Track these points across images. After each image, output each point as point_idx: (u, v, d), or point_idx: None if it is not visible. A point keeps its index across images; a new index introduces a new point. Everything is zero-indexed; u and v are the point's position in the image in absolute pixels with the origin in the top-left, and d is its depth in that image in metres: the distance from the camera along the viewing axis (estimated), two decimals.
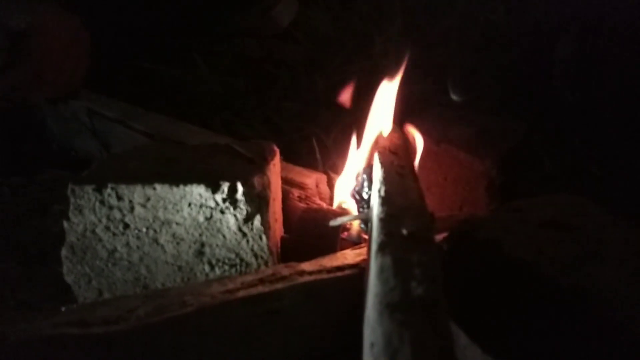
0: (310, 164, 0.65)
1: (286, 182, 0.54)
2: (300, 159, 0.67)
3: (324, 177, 0.56)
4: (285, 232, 0.51)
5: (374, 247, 0.32)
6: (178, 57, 0.94)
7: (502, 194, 0.51)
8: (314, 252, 0.45)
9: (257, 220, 0.41)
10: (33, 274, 0.52)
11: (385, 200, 0.36)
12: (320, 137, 0.73)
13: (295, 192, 0.53)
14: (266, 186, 0.42)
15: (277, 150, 0.49)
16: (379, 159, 0.43)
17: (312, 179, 0.55)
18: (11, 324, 0.33)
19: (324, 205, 0.52)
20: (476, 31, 0.96)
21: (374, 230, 0.34)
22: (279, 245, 0.49)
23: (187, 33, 0.99)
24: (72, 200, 0.41)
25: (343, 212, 0.48)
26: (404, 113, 0.62)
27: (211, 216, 0.41)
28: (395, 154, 0.45)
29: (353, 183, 0.47)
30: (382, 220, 0.34)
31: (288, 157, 0.69)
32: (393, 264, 0.29)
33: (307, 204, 0.53)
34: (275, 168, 0.48)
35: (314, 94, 0.89)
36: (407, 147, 0.50)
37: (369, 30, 0.97)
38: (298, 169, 0.56)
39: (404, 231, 0.33)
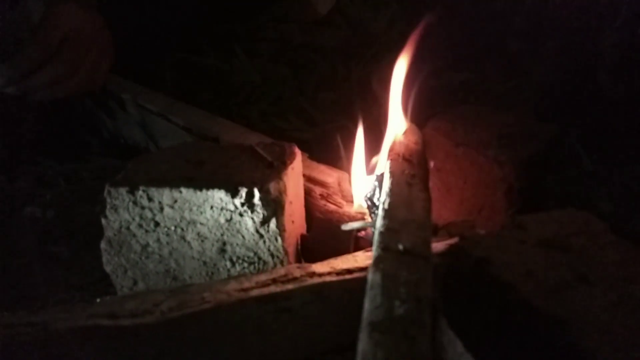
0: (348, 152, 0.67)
1: (309, 180, 0.57)
2: (332, 151, 0.70)
3: (346, 176, 0.57)
4: (307, 229, 0.54)
5: (371, 261, 0.34)
6: (221, 47, 0.98)
7: (522, 199, 0.51)
8: (329, 252, 0.47)
9: (272, 223, 0.44)
10: (82, 258, 0.58)
11: (387, 213, 0.38)
12: (351, 129, 0.74)
13: (317, 190, 0.56)
14: (282, 191, 0.45)
15: (298, 153, 0.52)
16: (390, 167, 0.44)
17: (334, 177, 0.57)
18: (53, 313, 0.38)
19: (344, 204, 0.54)
20: (522, 15, 0.93)
21: (374, 242, 0.36)
22: (299, 242, 0.52)
23: (230, 20, 1.02)
24: (108, 200, 0.46)
25: (358, 214, 0.50)
26: (427, 109, 0.63)
27: (231, 218, 0.45)
28: (408, 161, 0.46)
29: (367, 187, 0.49)
30: (381, 234, 0.36)
31: (320, 149, 0.72)
32: (382, 281, 0.31)
33: (328, 202, 0.55)
34: (295, 170, 0.50)
35: (349, 83, 0.90)
36: (424, 152, 0.51)
37: (408, 17, 0.97)
38: (322, 167, 0.58)
39: (400, 246, 0.35)
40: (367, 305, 0.30)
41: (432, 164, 0.51)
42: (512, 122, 0.56)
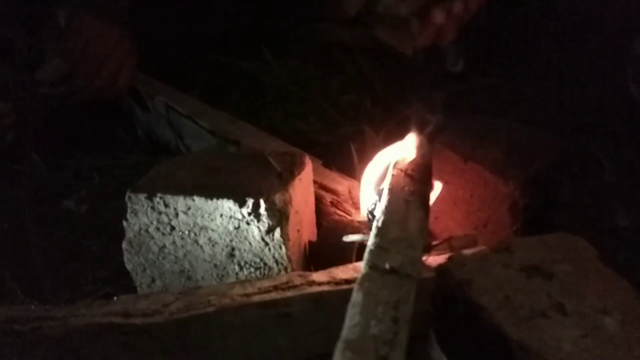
0: (361, 159, 0.69)
1: (321, 187, 0.59)
2: (349, 156, 0.71)
3: (357, 184, 0.59)
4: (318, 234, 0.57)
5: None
6: (250, 47, 1.01)
7: (527, 216, 0.52)
8: (333, 260, 0.50)
9: (277, 233, 0.47)
10: (109, 253, 0.62)
11: (379, 231, 0.40)
12: (370, 134, 0.75)
13: (328, 198, 0.58)
14: (287, 202, 0.47)
15: (308, 162, 0.54)
16: (390, 183, 0.46)
17: (344, 185, 0.59)
18: (73, 309, 0.42)
19: (353, 212, 0.56)
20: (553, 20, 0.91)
21: (363, 260, 0.38)
22: (308, 248, 0.54)
23: (260, 19, 1.05)
24: (129, 204, 0.49)
25: (362, 225, 0.52)
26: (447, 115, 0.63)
27: (239, 226, 0.48)
28: (410, 177, 0.47)
29: (369, 201, 0.51)
30: (370, 252, 0.38)
31: (337, 153, 0.74)
32: (362, 300, 0.33)
33: (338, 209, 0.58)
34: (304, 180, 0.52)
35: (372, 86, 0.91)
36: (429, 166, 0.52)
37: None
38: (334, 174, 0.61)
39: (387, 265, 0.37)
40: (346, 322, 0.32)
41: (440, 184, 0.52)
42: (523, 137, 0.56)
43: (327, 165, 0.63)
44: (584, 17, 0.85)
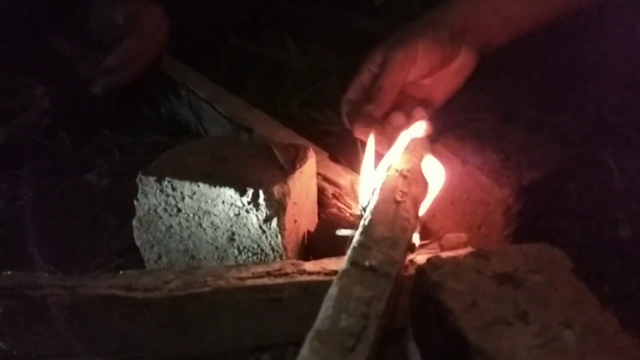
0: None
1: (324, 179, 0.61)
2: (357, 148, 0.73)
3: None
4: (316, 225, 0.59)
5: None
6: (275, 32, 1.03)
7: (519, 221, 0.53)
8: (329, 251, 0.52)
9: (274, 222, 0.50)
10: (124, 227, 0.66)
11: (365, 230, 0.42)
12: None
13: (330, 190, 0.60)
14: (286, 194, 0.50)
15: (312, 156, 0.56)
16: (383, 183, 0.48)
17: (347, 179, 0.61)
18: (82, 280, 0.46)
19: (353, 205, 0.58)
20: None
21: (345, 256, 0.40)
22: (306, 237, 0.57)
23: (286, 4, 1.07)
24: (140, 186, 0.53)
25: (357, 220, 0.54)
26: (443, 124, 0.65)
27: (239, 213, 0.50)
28: (405, 178, 0.49)
29: (364, 197, 0.53)
30: (354, 249, 0.40)
31: (346, 145, 0.75)
32: (337, 294, 0.36)
33: (339, 201, 0.60)
34: (305, 173, 0.55)
35: None
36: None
37: None
38: (338, 168, 0.63)
39: (367, 263, 0.39)
40: (320, 314, 0.35)
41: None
42: (525, 143, 0.57)
43: (334, 157, 0.65)
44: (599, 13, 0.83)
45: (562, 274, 0.38)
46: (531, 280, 0.37)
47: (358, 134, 0.60)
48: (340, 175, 0.61)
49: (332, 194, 0.60)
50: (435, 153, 0.57)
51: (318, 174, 0.61)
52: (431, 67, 0.61)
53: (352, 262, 0.39)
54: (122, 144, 0.84)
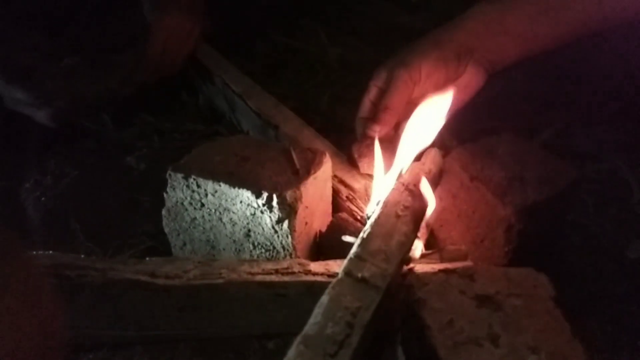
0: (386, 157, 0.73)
1: (340, 181, 0.65)
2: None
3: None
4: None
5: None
6: (312, 23, 1.06)
7: (519, 240, 0.55)
8: (336, 253, 0.56)
9: (285, 224, 0.54)
10: (159, 210, 0.70)
11: (362, 242, 0.46)
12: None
13: (345, 192, 0.64)
14: (297, 198, 0.54)
15: (327, 161, 0.60)
16: (388, 196, 0.51)
17: (361, 184, 0.64)
18: (112, 263, 0.52)
19: (365, 209, 0.62)
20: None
21: (341, 266, 0.44)
22: (318, 238, 0.61)
23: None
24: (169, 180, 0.58)
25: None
26: (456, 137, 0.67)
27: (255, 213, 0.55)
28: (410, 192, 0.52)
29: (370, 207, 0.56)
30: (350, 260, 0.44)
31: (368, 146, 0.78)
32: (327, 302, 0.40)
33: (353, 204, 0.64)
34: (319, 179, 0.58)
35: None
36: (434, 182, 0.56)
37: None
38: (354, 171, 0.66)
39: (359, 275, 0.43)
40: (310, 319, 0.39)
41: (436, 199, 0.56)
42: (537, 161, 0.58)
43: (352, 160, 0.69)
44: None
45: (542, 300, 0.41)
46: (510, 304, 0.40)
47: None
48: (356, 179, 0.65)
49: (347, 197, 0.64)
50: (446, 166, 0.59)
51: (334, 176, 0.64)
52: (435, 86, 0.62)
53: (347, 273, 0.43)
54: (161, 129, 0.89)
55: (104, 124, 0.87)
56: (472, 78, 0.65)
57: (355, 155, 0.65)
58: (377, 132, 0.61)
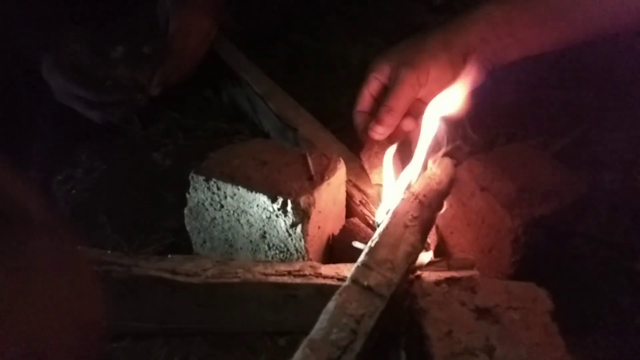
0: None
1: (354, 186, 0.67)
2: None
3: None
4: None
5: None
6: (335, 22, 1.07)
7: (526, 250, 0.56)
8: (347, 257, 0.59)
9: (298, 228, 0.57)
10: (181, 206, 0.74)
11: (370, 250, 0.48)
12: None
13: (358, 197, 0.66)
14: (311, 204, 0.57)
15: (342, 167, 0.62)
16: (397, 206, 0.53)
17: (374, 189, 0.66)
18: (136, 259, 0.56)
19: (375, 215, 0.64)
20: None
21: (348, 273, 0.47)
22: (330, 240, 0.63)
23: None
24: (191, 182, 0.61)
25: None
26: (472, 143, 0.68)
27: (270, 217, 0.58)
28: (420, 203, 0.54)
29: (379, 216, 0.58)
30: (357, 268, 0.46)
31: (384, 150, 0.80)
32: (333, 309, 0.42)
33: (365, 208, 0.66)
34: (332, 185, 0.60)
35: None
36: (444, 192, 0.58)
37: None
38: (368, 178, 0.68)
39: (365, 283, 0.45)
40: (316, 324, 0.42)
41: (446, 205, 0.58)
42: (547, 173, 0.59)
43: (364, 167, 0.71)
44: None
45: (539, 314, 0.43)
46: (507, 317, 0.42)
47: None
48: (369, 185, 0.67)
49: (360, 201, 0.66)
50: (458, 175, 0.61)
51: (348, 180, 0.66)
52: (440, 87, 0.63)
53: (354, 280, 0.45)
54: (185, 126, 0.93)
55: (131, 120, 0.91)
56: (472, 76, 0.65)
57: (366, 167, 0.67)
58: (381, 135, 0.62)
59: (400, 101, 0.63)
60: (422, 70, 0.63)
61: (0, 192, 0.29)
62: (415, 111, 0.66)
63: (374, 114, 0.67)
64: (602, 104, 0.87)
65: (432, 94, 0.63)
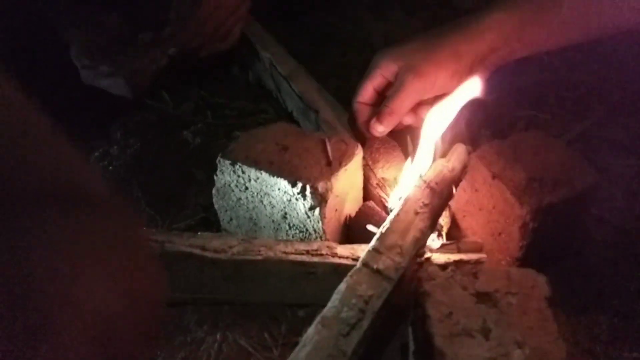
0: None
1: (371, 169, 0.70)
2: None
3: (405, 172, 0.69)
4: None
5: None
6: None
7: (534, 236, 0.59)
8: (362, 238, 0.63)
9: (317, 211, 0.61)
10: (212, 183, 0.79)
11: (381, 236, 0.52)
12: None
13: (375, 180, 0.70)
14: (328, 189, 0.60)
15: (359, 153, 0.65)
16: (409, 193, 0.56)
17: (390, 172, 0.69)
18: (168, 236, 0.61)
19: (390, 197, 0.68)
20: None
21: (360, 256, 0.51)
22: (348, 221, 0.67)
23: None
24: (218, 165, 0.66)
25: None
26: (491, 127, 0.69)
27: (290, 200, 0.62)
28: (431, 190, 0.57)
29: (392, 201, 0.62)
30: (368, 252, 0.50)
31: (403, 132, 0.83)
32: (344, 290, 0.47)
33: (382, 190, 0.69)
34: (349, 170, 0.64)
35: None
36: (456, 180, 0.60)
37: None
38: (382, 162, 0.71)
39: (375, 266, 0.49)
40: (329, 302, 0.46)
41: (455, 190, 0.60)
42: (558, 162, 0.61)
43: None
44: None
45: (536, 300, 0.46)
46: (505, 302, 0.46)
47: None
48: (386, 168, 0.70)
49: (377, 184, 0.70)
50: (471, 162, 0.63)
51: (366, 163, 0.70)
52: (444, 95, 0.65)
53: (364, 263, 0.49)
54: (214, 105, 0.97)
55: (162, 100, 0.96)
56: (477, 84, 0.67)
57: (369, 163, 0.70)
58: (380, 133, 0.65)
59: (403, 105, 0.65)
60: (429, 79, 0.65)
61: (65, 174, 0.30)
62: (416, 108, 0.68)
63: (374, 105, 0.69)
64: (627, 87, 0.87)
65: (435, 99, 0.65)
